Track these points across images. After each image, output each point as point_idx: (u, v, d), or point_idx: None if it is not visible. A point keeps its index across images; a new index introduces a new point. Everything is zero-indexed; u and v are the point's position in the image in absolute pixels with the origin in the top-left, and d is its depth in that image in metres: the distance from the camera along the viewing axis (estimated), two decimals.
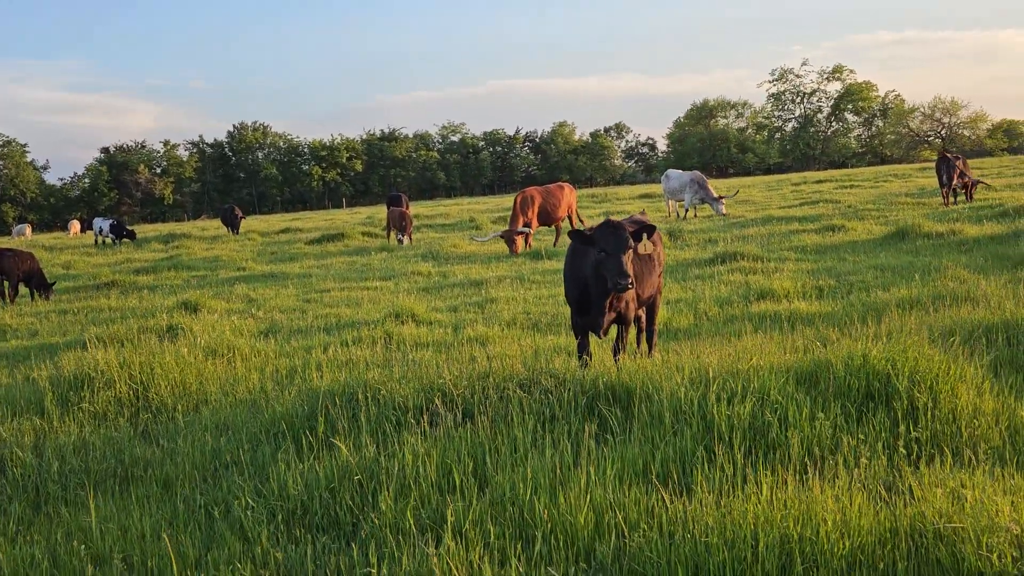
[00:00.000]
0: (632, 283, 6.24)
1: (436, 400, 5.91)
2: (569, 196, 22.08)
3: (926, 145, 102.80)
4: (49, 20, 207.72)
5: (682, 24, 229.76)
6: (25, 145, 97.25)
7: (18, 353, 11.23)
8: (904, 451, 4.75)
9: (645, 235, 6.81)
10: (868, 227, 18.66)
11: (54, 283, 17.85)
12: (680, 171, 28.00)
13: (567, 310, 11.23)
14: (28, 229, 58.92)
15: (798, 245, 16.64)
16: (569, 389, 5.88)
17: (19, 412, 7.26)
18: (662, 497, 4.26)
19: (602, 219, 27.54)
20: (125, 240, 35.45)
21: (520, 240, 20.34)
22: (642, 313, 7.80)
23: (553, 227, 22.14)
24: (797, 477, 4.36)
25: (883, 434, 4.94)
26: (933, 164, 29.73)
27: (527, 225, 20.59)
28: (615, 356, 7.09)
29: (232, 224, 36.72)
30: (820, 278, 12.22)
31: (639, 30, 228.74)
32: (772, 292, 11.05)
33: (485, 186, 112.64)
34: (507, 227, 20.92)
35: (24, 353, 11.20)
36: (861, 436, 4.85)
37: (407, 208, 30.66)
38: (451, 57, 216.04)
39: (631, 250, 6.42)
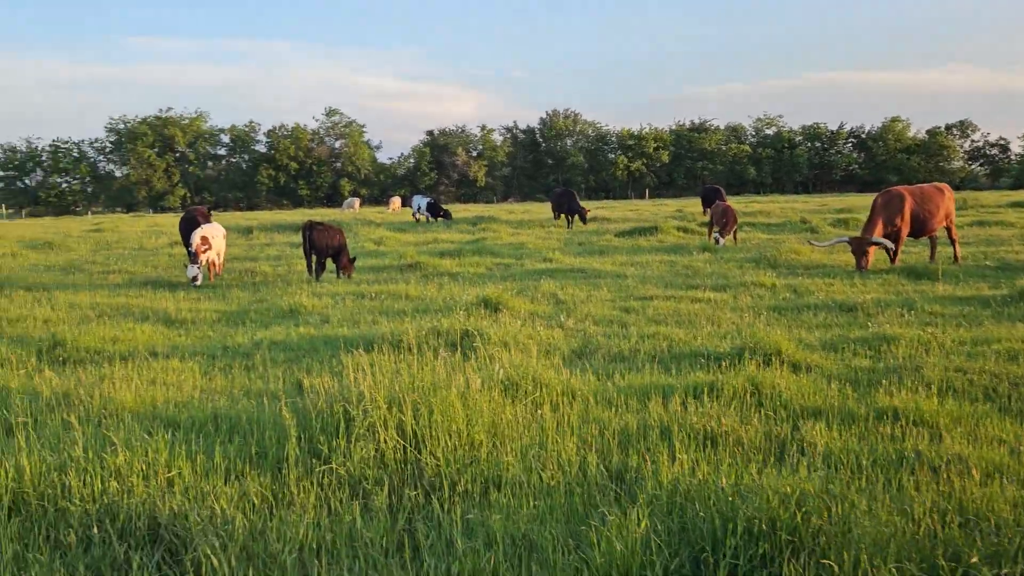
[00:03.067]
0: None
1: None
2: (948, 202, 17.24)
3: None
4: (386, 14, 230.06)
5: None
6: (363, 126, 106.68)
7: (301, 345, 9.73)
8: None
9: None
10: None
11: (354, 259, 17.00)
12: None
13: None
14: (357, 203, 63.36)
15: None
16: None
17: (253, 459, 5.22)
18: None
19: (976, 228, 21.88)
20: (440, 219, 35.63)
21: (872, 252, 16.08)
22: None
23: (927, 239, 17.55)
24: None
25: None
26: None
27: (892, 236, 16.26)
28: None
29: (569, 210, 30.72)
30: None
31: (982, 18, 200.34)
32: None
33: (799, 183, 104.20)
34: (859, 233, 16.82)
35: (307, 346, 9.67)
36: None
37: (726, 202, 27.12)
38: (765, 48, 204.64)
39: None
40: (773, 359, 7.77)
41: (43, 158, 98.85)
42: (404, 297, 13.40)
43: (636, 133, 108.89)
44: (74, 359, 9.24)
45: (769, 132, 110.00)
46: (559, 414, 6.07)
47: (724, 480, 4.17)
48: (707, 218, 31.86)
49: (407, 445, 5.21)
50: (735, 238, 22.15)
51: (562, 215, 31.75)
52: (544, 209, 51.11)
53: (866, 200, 40.42)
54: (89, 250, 25.52)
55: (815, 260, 17.23)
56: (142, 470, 4.82)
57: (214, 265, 17.24)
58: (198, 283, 15.71)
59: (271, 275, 17.43)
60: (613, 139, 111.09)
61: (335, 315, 11.77)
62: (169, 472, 4.80)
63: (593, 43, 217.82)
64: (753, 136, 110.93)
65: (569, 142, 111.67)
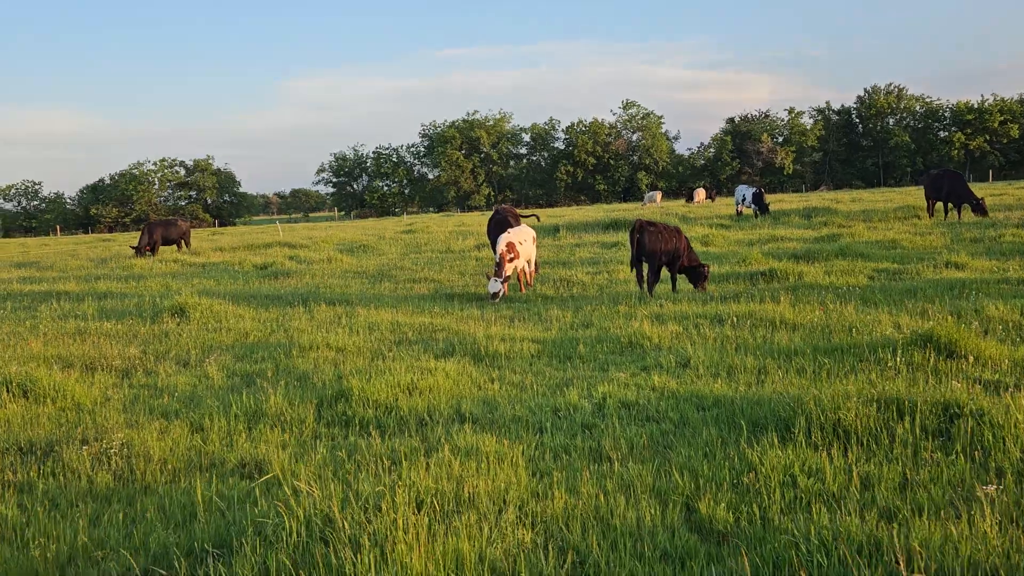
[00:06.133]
0: None
1: None
2: None
3: None
4: (673, 6, 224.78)
5: None
6: (661, 117, 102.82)
7: (666, 413, 6.46)
8: None
9: None
10: None
11: (706, 267, 13.33)
12: None
13: None
14: (659, 196, 59.94)
15: None
16: None
17: None
18: None
19: None
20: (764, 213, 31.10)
21: None
22: None
23: None
24: None
25: None
26: None
27: None
28: None
29: (952, 196, 23.05)
30: None
31: None
32: None
33: None
34: None
35: (675, 415, 6.38)
36: None
37: None
38: None
39: None
40: None
41: (367, 164, 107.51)
42: (781, 324, 9.68)
43: (976, 106, 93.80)
44: (358, 419, 6.80)
45: None
46: None
47: None
48: None
49: None
50: None
51: (938, 203, 24.87)
52: (879, 197, 44.14)
53: None
54: (399, 253, 24.72)
55: None
56: None
57: (523, 273, 14.74)
58: (496, 300, 13.29)
59: (590, 285, 14.56)
60: (946, 114, 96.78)
61: (695, 355, 8.36)
62: None
63: (909, 10, 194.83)
64: None
65: (891, 121, 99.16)
